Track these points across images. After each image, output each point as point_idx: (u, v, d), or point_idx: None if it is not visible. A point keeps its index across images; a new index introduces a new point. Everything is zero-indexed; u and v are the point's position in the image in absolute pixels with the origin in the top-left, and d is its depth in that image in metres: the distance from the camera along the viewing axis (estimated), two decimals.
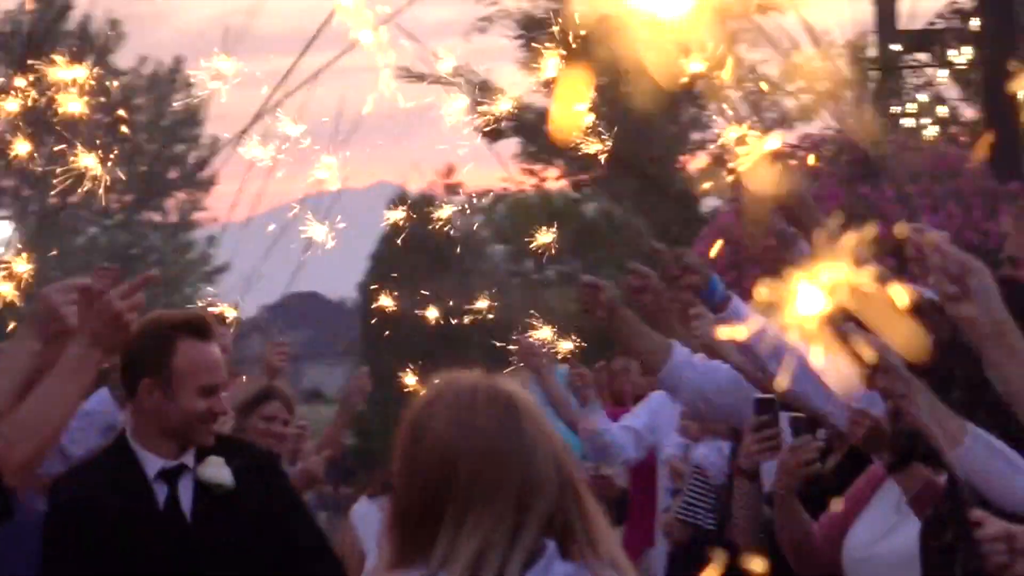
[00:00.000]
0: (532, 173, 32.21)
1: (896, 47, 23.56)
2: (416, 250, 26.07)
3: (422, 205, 24.62)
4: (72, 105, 8.27)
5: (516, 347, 11.77)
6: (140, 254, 50.76)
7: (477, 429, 3.44)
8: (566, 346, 11.70)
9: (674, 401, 9.51)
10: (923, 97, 23.20)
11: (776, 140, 6.81)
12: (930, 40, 23.23)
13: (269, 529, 5.88)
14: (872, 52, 24.58)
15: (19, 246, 24.82)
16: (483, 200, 32.32)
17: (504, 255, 38.85)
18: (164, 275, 45.52)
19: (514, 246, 35.70)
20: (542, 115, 28.66)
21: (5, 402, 5.58)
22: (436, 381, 3.56)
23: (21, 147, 8.84)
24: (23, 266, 7.84)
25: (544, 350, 12.26)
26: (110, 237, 50.53)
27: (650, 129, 27.78)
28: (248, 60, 8.71)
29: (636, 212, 29.81)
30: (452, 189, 33.55)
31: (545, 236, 10.73)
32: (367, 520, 9.14)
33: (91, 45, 48.50)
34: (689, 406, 9.05)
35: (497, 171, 32.11)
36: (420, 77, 28.91)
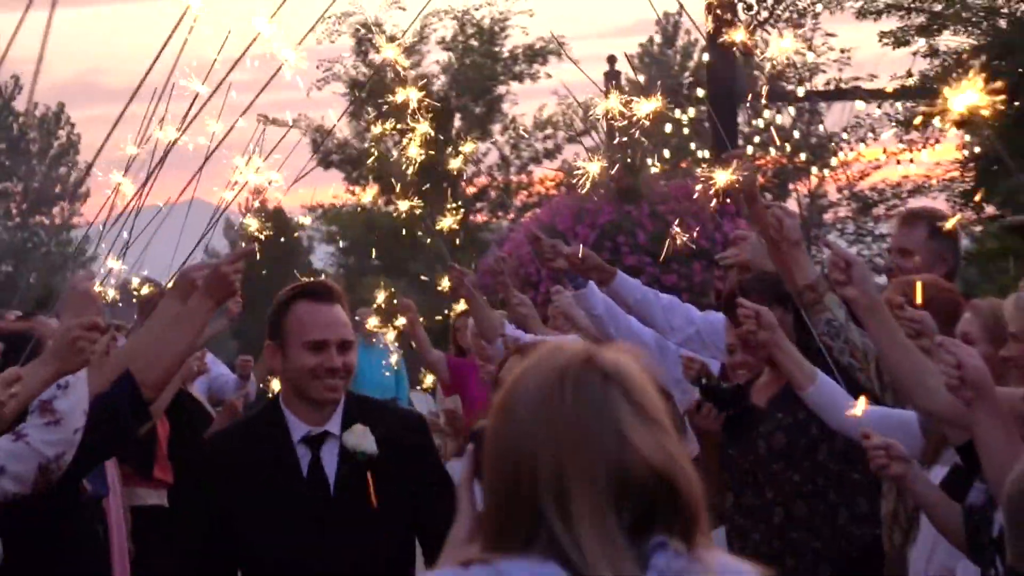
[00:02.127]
0: (353, 193, 32.88)
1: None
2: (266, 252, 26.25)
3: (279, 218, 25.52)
4: None
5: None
6: (32, 247, 50.80)
7: (561, 413, 2.46)
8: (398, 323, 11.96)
9: None
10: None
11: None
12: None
13: (410, 499, 4.89)
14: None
15: None
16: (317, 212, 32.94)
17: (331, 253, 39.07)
18: (49, 263, 45.60)
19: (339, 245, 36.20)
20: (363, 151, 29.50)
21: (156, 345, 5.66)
22: (537, 352, 2.59)
23: None
24: None
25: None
26: (10, 235, 50.55)
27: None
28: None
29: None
30: (263, 207, 33.74)
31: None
32: None
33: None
34: None
35: (328, 191, 32.74)
36: (275, 121, 29.57)
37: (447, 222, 8.80)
